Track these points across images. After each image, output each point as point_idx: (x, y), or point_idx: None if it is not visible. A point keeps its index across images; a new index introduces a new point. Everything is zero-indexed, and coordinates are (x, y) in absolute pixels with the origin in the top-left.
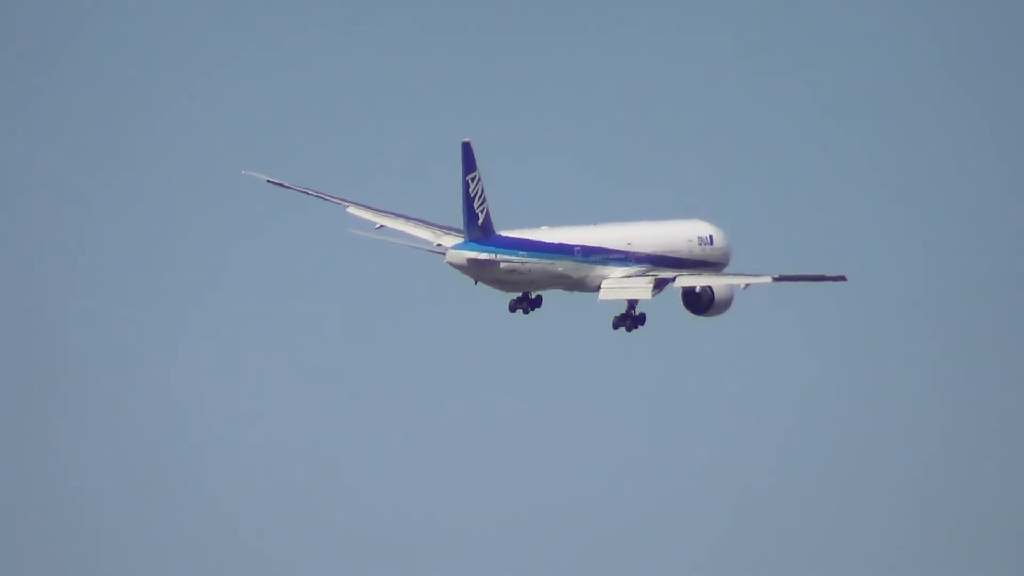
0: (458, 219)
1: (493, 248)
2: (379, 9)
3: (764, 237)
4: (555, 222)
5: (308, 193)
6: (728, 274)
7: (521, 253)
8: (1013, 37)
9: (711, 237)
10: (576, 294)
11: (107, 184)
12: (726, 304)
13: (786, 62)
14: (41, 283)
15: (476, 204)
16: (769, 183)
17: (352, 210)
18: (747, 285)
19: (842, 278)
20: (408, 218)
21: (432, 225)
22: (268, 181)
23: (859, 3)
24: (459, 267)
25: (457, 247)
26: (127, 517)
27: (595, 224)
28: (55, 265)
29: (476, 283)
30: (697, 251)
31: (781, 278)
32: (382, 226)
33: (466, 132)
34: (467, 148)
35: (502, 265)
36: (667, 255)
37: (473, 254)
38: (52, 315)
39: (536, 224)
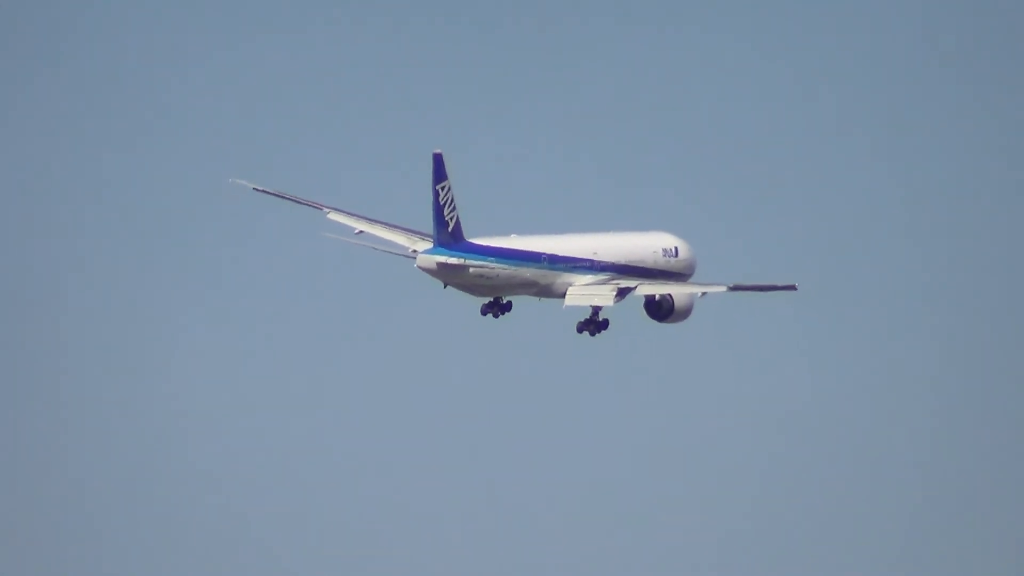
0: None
1: (462, 253)
2: (358, 19)
3: (734, 248)
4: (525, 231)
5: (292, 200)
6: (686, 283)
7: (489, 259)
8: (977, 38)
9: (676, 249)
10: (544, 300)
11: (92, 190)
12: (686, 312)
13: (757, 74)
14: (28, 284)
15: (446, 212)
16: (741, 195)
17: (333, 215)
18: (704, 294)
19: (792, 287)
20: (386, 224)
21: (409, 231)
22: (254, 188)
23: (826, 11)
24: (429, 271)
25: (427, 252)
26: (106, 522)
27: (563, 234)
28: (41, 269)
29: (445, 287)
30: (662, 262)
31: (735, 287)
32: (361, 231)
33: (441, 142)
34: (438, 159)
35: (471, 270)
36: (632, 265)
37: (442, 258)
38: (41, 314)
39: (506, 232)
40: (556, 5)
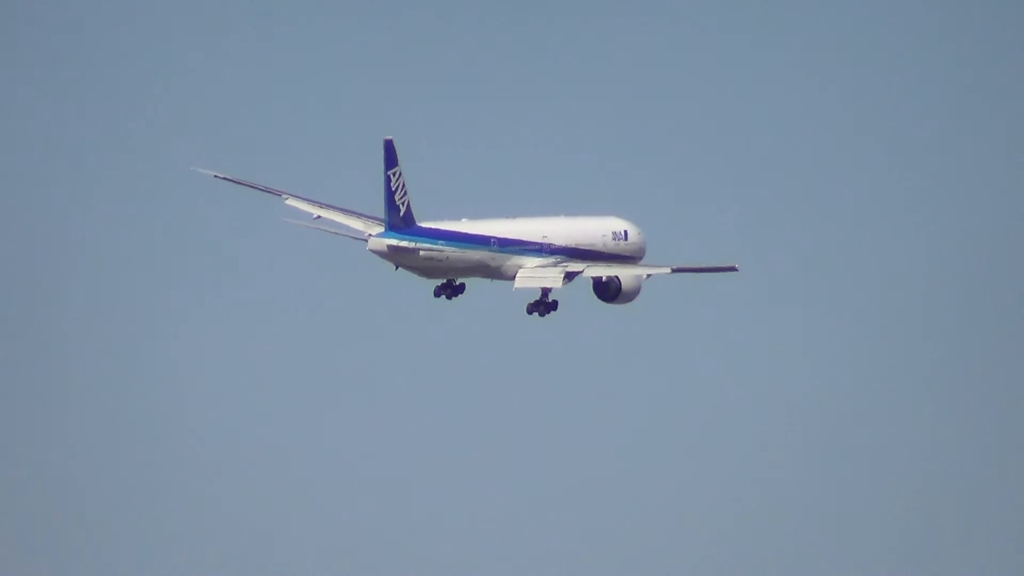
0: None
1: (413, 236)
2: (312, 9)
3: (689, 232)
4: (477, 216)
5: (251, 186)
6: (632, 265)
7: (440, 242)
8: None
9: (625, 232)
10: (495, 282)
11: (55, 183)
12: (633, 293)
13: (715, 57)
14: None
15: (397, 197)
16: (695, 179)
17: (291, 202)
18: (649, 275)
19: (733, 268)
20: (343, 210)
21: (365, 216)
22: (215, 176)
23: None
24: (380, 253)
25: (379, 235)
26: (87, 526)
27: (513, 218)
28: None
29: (396, 268)
30: (611, 245)
31: (678, 269)
32: (319, 216)
33: (395, 129)
34: (389, 145)
35: (420, 252)
36: (582, 248)
37: (393, 241)
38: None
39: (457, 217)
40: None
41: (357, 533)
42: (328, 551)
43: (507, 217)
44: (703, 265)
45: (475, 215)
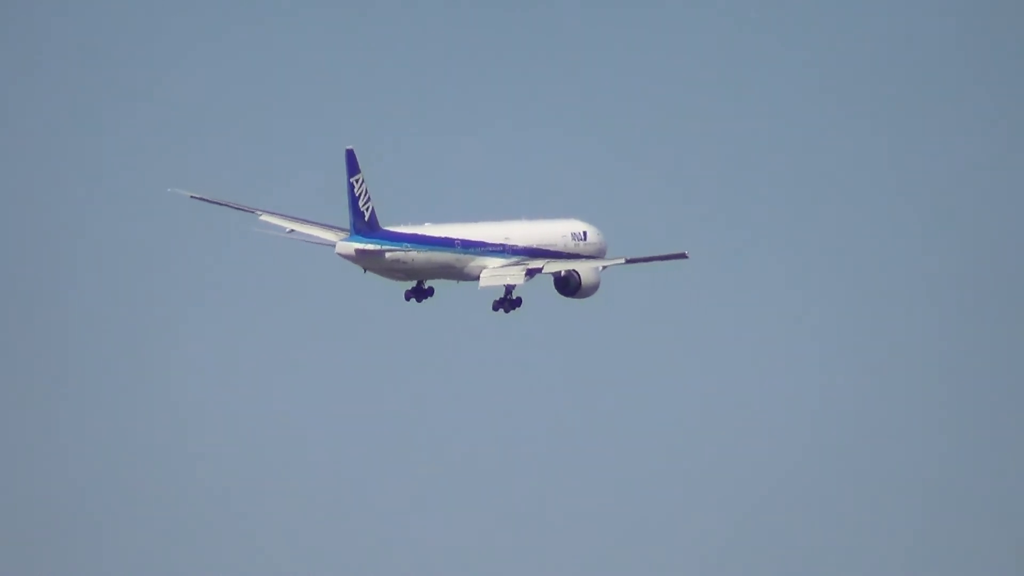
0: None
1: (379, 240)
2: (271, 25)
3: (654, 229)
4: (440, 221)
5: (226, 205)
6: (589, 260)
7: (405, 244)
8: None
9: (585, 233)
10: (461, 284)
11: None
12: (593, 287)
13: (680, 53)
14: None
15: (361, 203)
16: (653, 175)
17: (265, 217)
18: (604, 267)
19: (683, 255)
20: (315, 223)
21: (336, 228)
22: (191, 196)
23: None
24: (348, 257)
25: (345, 240)
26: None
27: (475, 222)
28: None
29: (365, 272)
30: (571, 245)
31: (632, 260)
32: (292, 230)
33: (356, 138)
34: (350, 154)
35: (387, 255)
36: (543, 248)
37: (360, 245)
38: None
39: (420, 222)
40: None
41: (342, 534)
42: (311, 552)
43: (469, 221)
44: (655, 254)
45: (437, 220)
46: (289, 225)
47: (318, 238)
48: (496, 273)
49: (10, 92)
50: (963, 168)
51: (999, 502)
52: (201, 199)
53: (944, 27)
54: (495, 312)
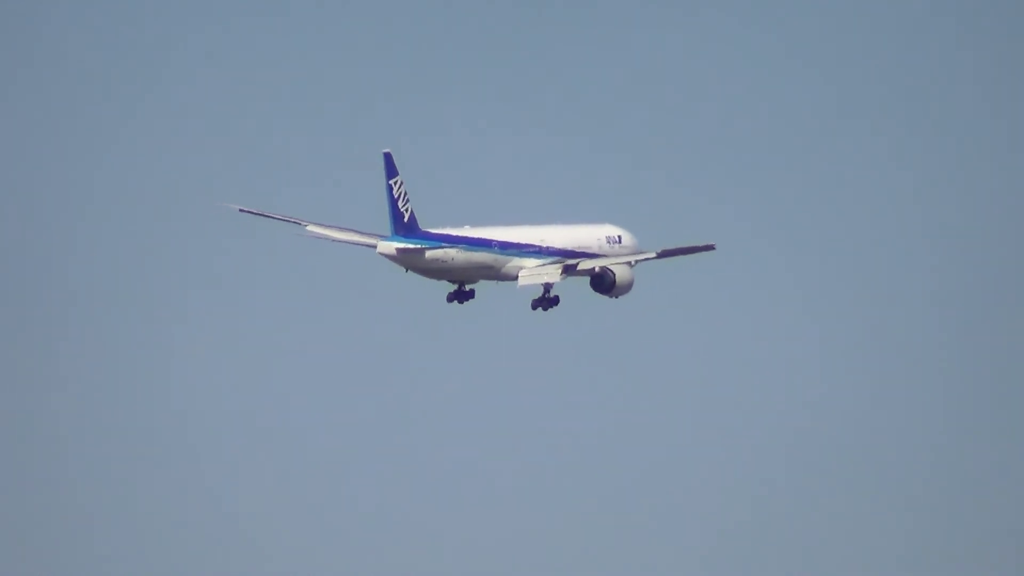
0: None
1: (419, 240)
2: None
3: (678, 227)
4: (479, 224)
5: (273, 217)
6: (622, 256)
7: (445, 245)
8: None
9: (619, 237)
10: (501, 284)
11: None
12: (628, 284)
13: (708, 60)
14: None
15: (401, 204)
16: (690, 179)
17: (311, 228)
18: (637, 261)
19: (711, 247)
20: (360, 232)
21: (379, 236)
22: (240, 210)
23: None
24: (390, 257)
25: (386, 239)
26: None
27: (514, 226)
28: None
29: (407, 271)
30: (606, 248)
31: (663, 253)
32: (336, 239)
33: (402, 141)
34: (388, 157)
35: (427, 254)
36: (578, 251)
37: (401, 244)
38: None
39: (460, 224)
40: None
41: (382, 531)
42: (352, 550)
43: (507, 225)
44: (683, 247)
45: (476, 223)
46: (333, 234)
47: (362, 243)
48: (533, 272)
49: (51, 103)
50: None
51: (1003, 502)
52: (250, 212)
53: (944, 27)
54: (534, 311)
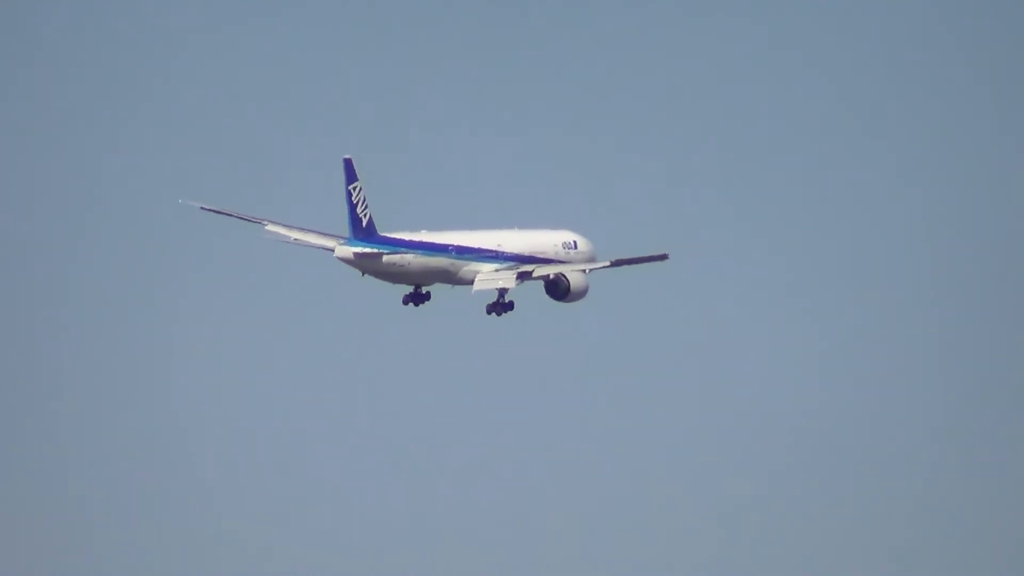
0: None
1: (376, 245)
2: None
3: (634, 234)
4: (435, 228)
5: (234, 216)
6: (576, 264)
7: (402, 249)
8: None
9: (575, 243)
10: (456, 288)
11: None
12: (582, 291)
13: (679, 60)
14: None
15: (359, 209)
16: (645, 184)
17: (270, 227)
18: (590, 270)
19: (664, 257)
20: (318, 232)
21: (338, 237)
22: (201, 207)
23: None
24: (347, 261)
25: (344, 243)
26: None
27: (470, 230)
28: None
29: (363, 275)
30: (562, 254)
31: (616, 262)
32: (297, 240)
33: (350, 148)
34: (348, 163)
35: (384, 259)
36: (534, 256)
37: (359, 249)
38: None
39: (416, 229)
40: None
41: (338, 536)
42: (307, 554)
43: (464, 229)
44: (637, 256)
45: (434, 228)
46: (293, 234)
47: (320, 246)
48: (489, 277)
49: (17, 96)
50: (963, 168)
51: (1000, 502)
52: (210, 210)
53: (943, 27)
54: (488, 316)
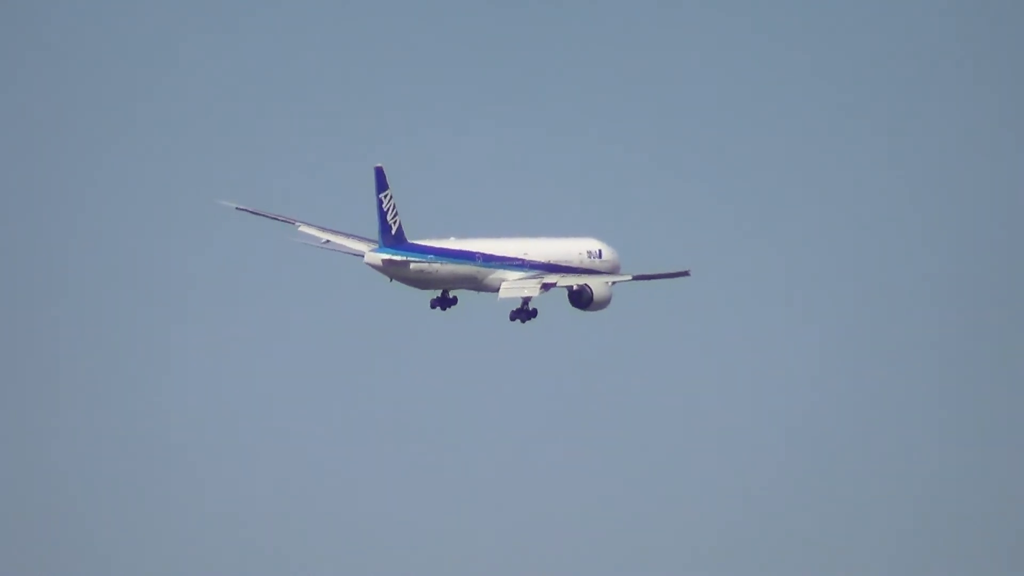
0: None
1: (405, 252)
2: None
3: (659, 245)
4: (463, 236)
5: (267, 216)
6: (600, 275)
7: (429, 256)
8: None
9: (600, 251)
10: (482, 294)
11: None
12: (605, 301)
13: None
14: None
15: (389, 217)
16: (677, 196)
17: (303, 228)
18: (614, 282)
19: (686, 273)
20: (349, 235)
21: (368, 240)
22: (237, 208)
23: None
24: (376, 267)
25: (374, 250)
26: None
27: (497, 238)
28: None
29: (391, 281)
30: (587, 262)
31: (638, 277)
32: (328, 241)
33: (390, 155)
34: (379, 171)
35: (412, 266)
36: (559, 264)
37: (387, 256)
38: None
39: (445, 236)
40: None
41: (361, 539)
42: (335, 559)
43: (491, 237)
44: (659, 272)
45: (461, 235)
46: (324, 236)
47: (350, 249)
48: (514, 285)
49: (51, 97)
50: (969, 171)
51: (1003, 503)
52: (245, 210)
53: (943, 27)
54: (512, 322)
